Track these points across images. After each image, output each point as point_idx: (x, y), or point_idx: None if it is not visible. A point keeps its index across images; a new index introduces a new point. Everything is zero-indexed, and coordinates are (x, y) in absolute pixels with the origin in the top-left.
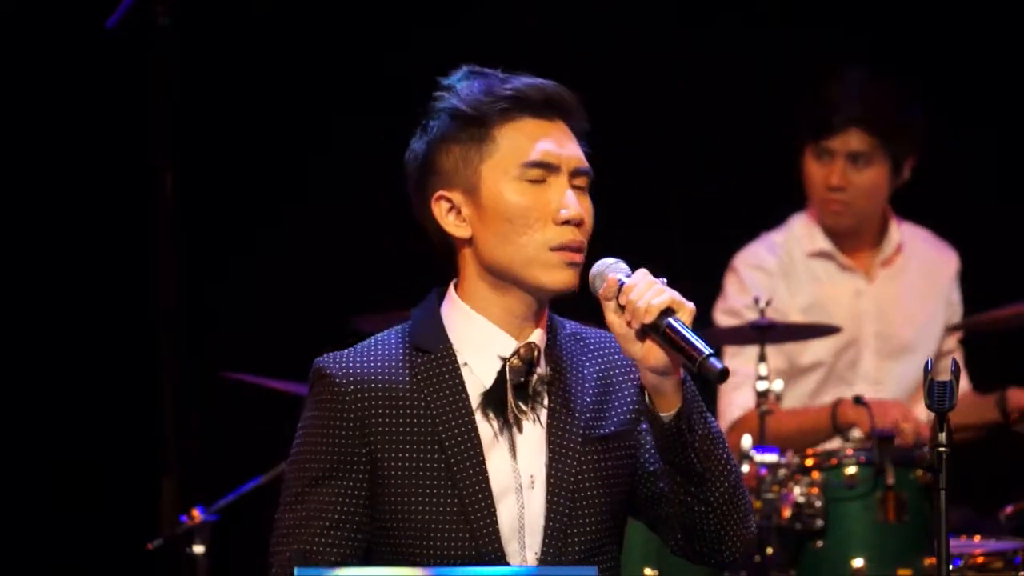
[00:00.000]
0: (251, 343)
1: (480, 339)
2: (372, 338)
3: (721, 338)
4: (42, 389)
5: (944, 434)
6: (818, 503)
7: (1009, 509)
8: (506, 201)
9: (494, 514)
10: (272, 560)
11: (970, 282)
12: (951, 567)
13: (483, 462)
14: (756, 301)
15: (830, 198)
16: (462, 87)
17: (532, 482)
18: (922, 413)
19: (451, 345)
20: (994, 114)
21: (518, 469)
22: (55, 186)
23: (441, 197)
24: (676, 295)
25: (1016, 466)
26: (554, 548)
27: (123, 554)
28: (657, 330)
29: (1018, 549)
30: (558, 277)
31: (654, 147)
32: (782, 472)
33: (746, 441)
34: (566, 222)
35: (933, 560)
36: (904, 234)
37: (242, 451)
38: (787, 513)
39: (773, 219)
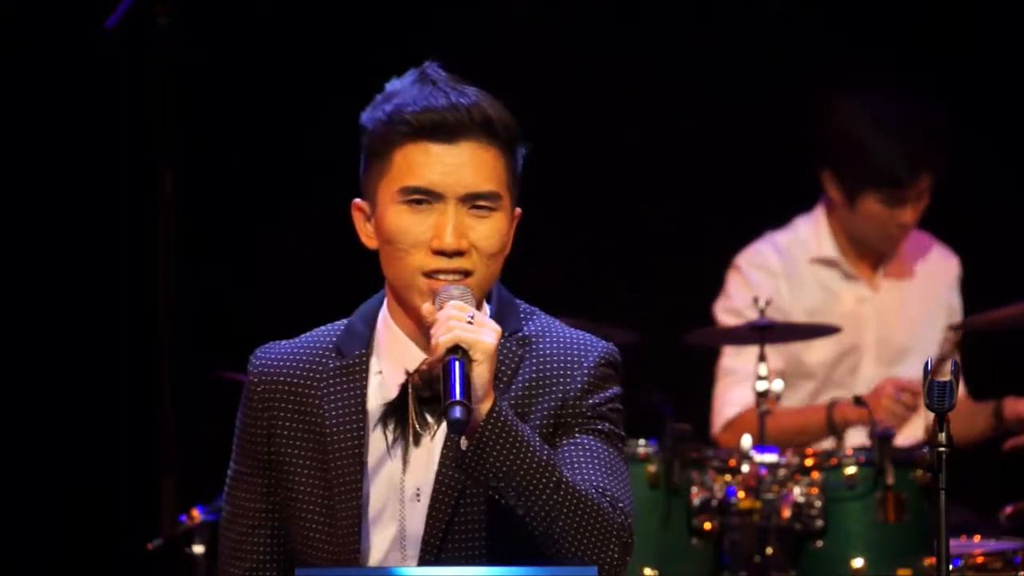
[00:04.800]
0: (250, 343)
1: (393, 349)
2: (315, 330)
3: (721, 337)
4: (41, 389)
5: (944, 434)
6: (818, 503)
7: (1009, 509)
8: (387, 223)
9: (357, 540)
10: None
11: (970, 283)
12: (951, 567)
13: (359, 487)
14: (756, 300)
15: (900, 233)
16: (381, 103)
17: (418, 495)
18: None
19: (370, 352)
20: (995, 115)
21: (405, 482)
22: (55, 186)
23: (357, 205)
24: (467, 334)
25: (1016, 466)
26: (431, 560)
27: (123, 554)
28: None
29: (1018, 549)
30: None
31: (654, 147)
32: (782, 472)
33: (746, 441)
34: (440, 251)
35: (933, 560)
36: (907, 239)
37: None
38: (787, 513)
39: (776, 218)
